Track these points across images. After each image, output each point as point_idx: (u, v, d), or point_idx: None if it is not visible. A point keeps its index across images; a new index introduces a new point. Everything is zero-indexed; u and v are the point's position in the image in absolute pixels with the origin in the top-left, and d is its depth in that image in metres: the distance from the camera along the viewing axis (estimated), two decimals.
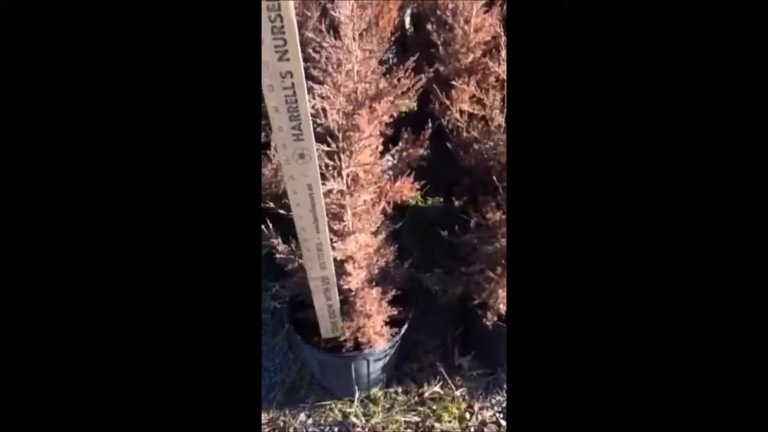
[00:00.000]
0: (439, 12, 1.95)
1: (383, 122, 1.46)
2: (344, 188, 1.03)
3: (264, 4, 0.54)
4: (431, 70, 1.35)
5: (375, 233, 1.26)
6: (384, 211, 1.38)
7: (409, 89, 1.30)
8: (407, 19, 2.34)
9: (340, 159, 0.99)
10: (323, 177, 0.98)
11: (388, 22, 1.99)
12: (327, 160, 0.99)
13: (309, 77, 0.94)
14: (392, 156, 1.57)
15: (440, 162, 1.70)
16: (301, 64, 0.62)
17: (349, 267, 1.11)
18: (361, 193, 1.05)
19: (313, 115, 0.97)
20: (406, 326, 1.29)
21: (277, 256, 1.11)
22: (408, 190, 1.42)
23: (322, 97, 1.01)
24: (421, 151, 1.56)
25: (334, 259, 1.11)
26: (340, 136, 0.97)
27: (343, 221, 1.06)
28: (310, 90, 0.92)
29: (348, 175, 1.03)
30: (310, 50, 1.06)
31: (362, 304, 1.14)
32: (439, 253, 1.53)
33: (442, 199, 1.91)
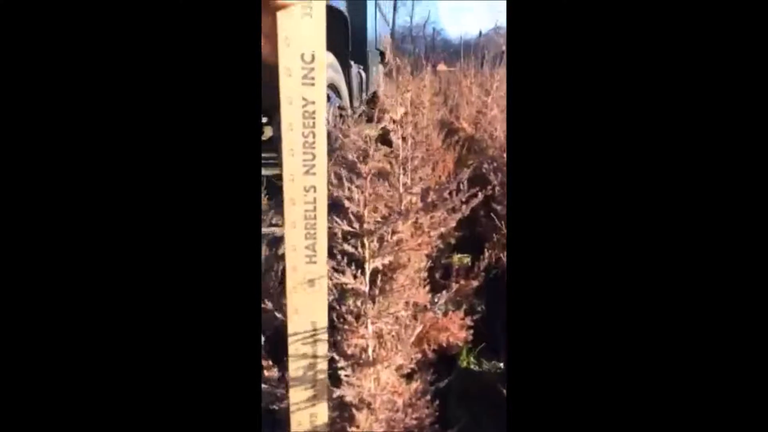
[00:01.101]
0: (495, 163, 1.91)
1: (431, 243, 1.24)
2: (365, 288, 0.74)
3: (300, 121, 0.56)
4: (489, 188, 1.18)
5: (408, 377, 0.89)
6: (423, 351, 1.03)
7: (463, 203, 1.11)
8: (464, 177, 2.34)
9: (363, 246, 0.73)
10: (337, 270, 0.72)
11: (443, 170, 1.96)
12: (344, 246, 0.74)
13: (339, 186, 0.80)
14: (439, 298, 1.28)
15: (501, 313, 1.39)
16: (326, 180, 0.59)
17: (360, 416, 0.73)
18: (390, 301, 0.75)
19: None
20: None
21: (263, 386, 0.77)
22: (457, 328, 1.08)
23: (350, 199, 0.81)
24: (475, 283, 1.27)
25: (341, 400, 0.74)
26: (366, 213, 0.74)
27: (361, 338, 0.74)
28: (337, 187, 0.78)
29: (378, 273, 0.76)
30: (353, 157, 0.93)
31: None
32: (500, 427, 1.07)
33: (502, 364, 1.49)
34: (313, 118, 0.57)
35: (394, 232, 0.80)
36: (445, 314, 1.14)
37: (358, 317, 0.75)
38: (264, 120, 3.69)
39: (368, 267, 0.74)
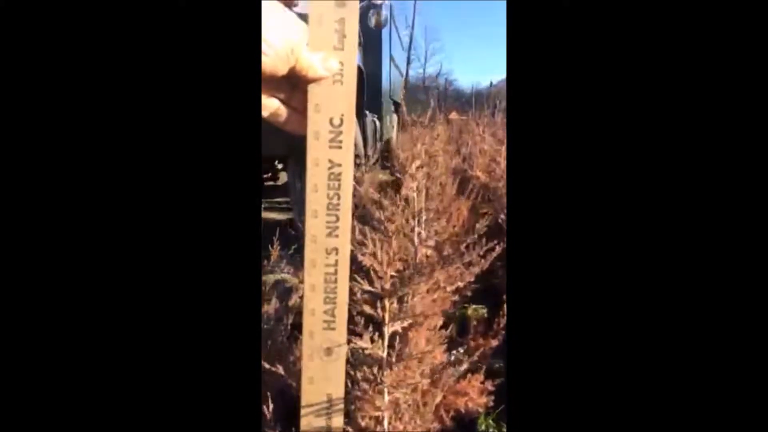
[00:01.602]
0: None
1: (447, 298, 1.19)
2: (383, 354, 0.69)
3: (325, 183, 0.56)
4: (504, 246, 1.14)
5: None
6: (441, 419, 0.95)
7: (481, 257, 1.07)
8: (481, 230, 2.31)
9: (383, 307, 0.69)
10: (354, 333, 0.68)
11: (458, 218, 1.94)
12: (363, 307, 0.70)
13: (362, 243, 0.79)
14: (455, 352, 1.22)
15: None
16: (349, 243, 0.57)
17: None
18: (407, 369, 0.70)
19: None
20: None
21: None
22: (476, 393, 1.01)
23: (374, 256, 0.79)
24: (495, 342, 1.20)
25: None
26: (388, 272, 0.70)
27: (377, 410, 0.68)
28: (360, 244, 0.77)
29: (396, 337, 0.71)
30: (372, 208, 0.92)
31: None
32: None
33: None
34: (339, 179, 0.56)
35: (414, 294, 0.76)
36: (464, 377, 1.08)
37: (374, 382, 0.70)
38: (279, 166, 3.74)
39: (387, 331, 0.69)
